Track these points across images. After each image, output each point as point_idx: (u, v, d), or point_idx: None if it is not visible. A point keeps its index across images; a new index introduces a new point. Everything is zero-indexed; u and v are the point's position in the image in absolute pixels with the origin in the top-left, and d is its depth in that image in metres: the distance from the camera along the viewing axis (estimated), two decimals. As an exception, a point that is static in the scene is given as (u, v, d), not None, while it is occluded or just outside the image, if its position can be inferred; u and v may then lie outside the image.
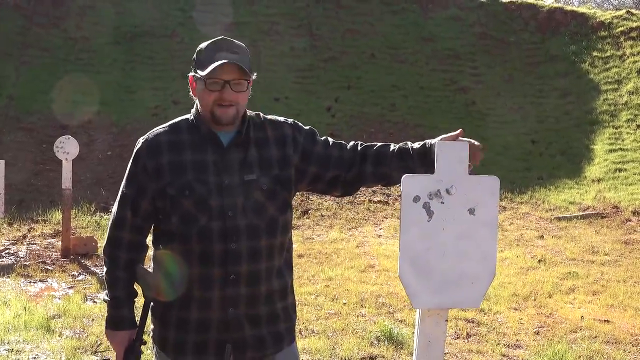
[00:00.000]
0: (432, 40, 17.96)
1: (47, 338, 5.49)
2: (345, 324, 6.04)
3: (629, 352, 5.65)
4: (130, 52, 16.70)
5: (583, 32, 17.78)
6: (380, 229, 10.72)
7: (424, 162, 2.46)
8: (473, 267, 2.38)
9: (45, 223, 10.31)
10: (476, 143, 2.40)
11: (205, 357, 2.43)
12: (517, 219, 11.34)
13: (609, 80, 16.31)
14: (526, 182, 13.24)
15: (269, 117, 2.55)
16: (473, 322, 6.22)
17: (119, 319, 2.51)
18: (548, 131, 15.39)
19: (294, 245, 2.72)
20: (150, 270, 2.51)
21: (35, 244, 9.23)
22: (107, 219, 9.65)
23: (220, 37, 2.45)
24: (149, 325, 2.57)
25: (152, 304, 2.51)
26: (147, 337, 2.60)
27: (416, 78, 16.98)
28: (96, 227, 10.05)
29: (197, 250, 2.38)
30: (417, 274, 2.33)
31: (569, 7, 19.70)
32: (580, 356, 5.47)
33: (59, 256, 8.48)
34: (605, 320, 6.41)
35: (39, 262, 8.12)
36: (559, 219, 11.27)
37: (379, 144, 2.56)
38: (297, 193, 2.67)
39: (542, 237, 10.15)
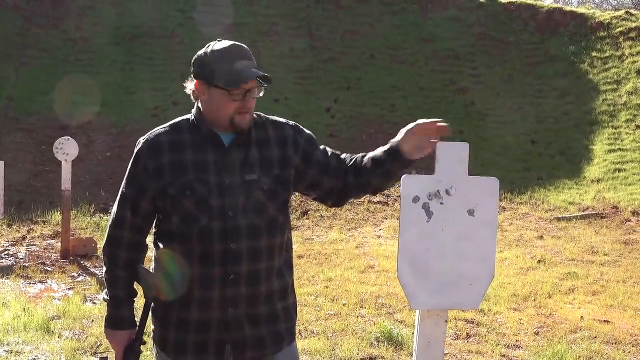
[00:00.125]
0: (432, 41, 17.96)
1: (46, 339, 5.49)
2: (344, 324, 6.04)
3: (629, 352, 5.65)
4: (129, 53, 16.69)
5: (582, 32, 17.79)
6: (380, 229, 10.73)
7: (396, 159, 2.47)
8: (472, 267, 2.37)
9: (44, 224, 10.31)
10: (438, 121, 2.43)
11: (205, 357, 2.43)
12: (517, 219, 11.34)
13: (608, 80, 16.31)
14: (525, 182, 13.24)
15: (270, 117, 2.55)
16: (473, 322, 6.22)
17: (118, 318, 2.51)
18: (547, 131, 15.39)
19: (293, 246, 2.72)
20: (151, 270, 2.51)
21: (35, 245, 9.23)
22: (107, 220, 9.64)
23: (228, 44, 2.39)
24: (149, 326, 2.57)
25: (152, 304, 2.51)
26: (147, 338, 2.60)
27: (416, 78, 16.98)
28: (95, 228, 10.05)
29: (197, 250, 2.38)
30: (416, 274, 2.33)
31: (568, 8, 19.71)
32: (579, 356, 5.47)
33: (59, 257, 8.48)
34: (604, 321, 6.41)
35: (38, 263, 8.12)
36: (558, 219, 11.27)
37: (359, 155, 2.58)
38: (296, 193, 2.67)
39: (541, 237, 10.16)
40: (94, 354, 5.19)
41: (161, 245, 2.47)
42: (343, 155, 2.60)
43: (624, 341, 5.87)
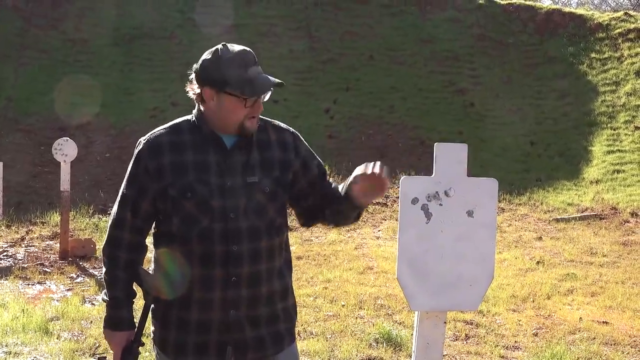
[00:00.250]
0: (431, 42, 17.96)
1: (45, 340, 5.48)
2: (343, 325, 6.04)
3: (627, 353, 5.65)
4: (129, 54, 16.69)
5: (581, 33, 17.79)
6: (379, 230, 10.72)
7: (348, 202, 2.44)
8: (471, 269, 2.38)
9: (43, 225, 10.31)
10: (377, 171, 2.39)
11: (206, 358, 2.44)
12: (516, 220, 11.34)
13: (607, 81, 16.32)
14: (525, 183, 13.24)
15: (270, 120, 2.56)
16: (472, 323, 6.22)
17: (117, 319, 2.51)
18: (546, 132, 15.39)
19: (292, 247, 2.74)
20: (151, 271, 2.51)
21: (34, 246, 9.22)
22: (106, 221, 9.64)
23: (236, 50, 2.38)
24: (149, 327, 2.57)
25: (152, 305, 2.51)
26: (147, 339, 2.60)
27: (415, 80, 16.98)
28: (94, 229, 10.04)
29: (197, 251, 2.38)
30: (415, 275, 2.33)
31: (567, 9, 19.71)
32: (578, 357, 5.47)
33: (57, 258, 8.47)
34: (603, 322, 6.41)
35: (37, 265, 8.11)
36: (557, 220, 11.27)
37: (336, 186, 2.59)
38: None
39: (540, 238, 10.15)
40: (93, 355, 5.18)
41: (161, 246, 2.47)
42: (332, 183, 2.63)
43: (622, 342, 5.87)
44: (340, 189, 2.49)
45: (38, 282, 7.50)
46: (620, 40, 17.22)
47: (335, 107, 15.95)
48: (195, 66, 2.41)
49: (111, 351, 2.56)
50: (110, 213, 2.58)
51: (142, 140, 2.48)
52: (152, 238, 2.55)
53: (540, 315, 6.62)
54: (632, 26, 17.34)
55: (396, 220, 2.44)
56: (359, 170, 2.38)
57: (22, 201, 11.48)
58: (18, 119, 14.44)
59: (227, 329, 2.41)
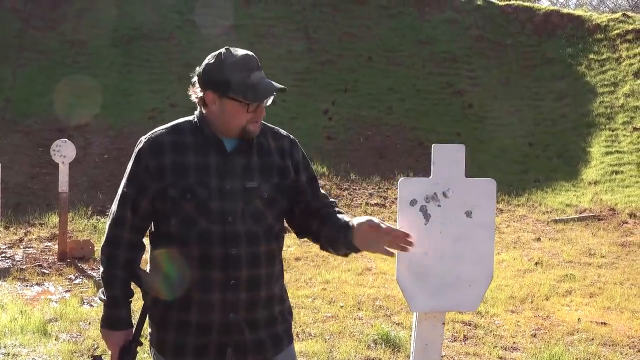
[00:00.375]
0: (429, 43, 17.97)
1: (43, 342, 5.48)
2: (342, 327, 6.04)
3: (626, 354, 5.66)
4: (127, 55, 16.68)
5: (579, 34, 17.81)
6: (378, 231, 10.71)
7: (345, 235, 2.37)
8: (470, 270, 2.38)
9: (41, 226, 10.30)
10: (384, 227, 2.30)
11: None
12: (514, 221, 11.35)
13: (606, 82, 16.34)
14: (523, 184, 13.25)
15: (270, 126, 2.56)
16: (470, 324, 6.23)
17: (115, 318, 2.50)
18: (545, 134, 15.40)
19: (291, 248, 2.74)
20: (148, 271, 2.51)
21: (32, 247, 9.21)
22: (104, 222, 9.63)
23: (240, 55, 2.37)
24: (146, 329, 2.57)
25: (150, 306, 2.51)
26: (144, 340, 2.59)
27: (413, 81, 16.99)
28: (93, 230, 10.04)
29: (196, 253, 2.38)
30: (414, 277, 2.33)
31: (565, 10, 19.73)
32: (577, 358, 5.48)
33: (56, 260, 8.46)
34: (602, 323, 6.41)
35: (35, 266, 8.11)
36: (555, 221, 11.27)
37: (335, 210, 2.54)
38: None
39: (538, 239, 10.16)
40: (92, 356, 5.18)
41: (158, 247, 2.47)
42: (322, 193, 2.60)
43: (621, 343, 5.88)
44: (344, 218, 2.44)
45: (36, 284, 7.50)
46: (618, 42, 17.24)
47: (333, 108, 15.96)
48: (198, 69, 2.41)
49: (109, 351, 2.56)
50: (109, 212, 2.57)
51: (143, 138, 2.48)
52: (148, 239, 2.55)
53: (539, 316, 6.62)
54: (630, 27, 17.36)
55: (394, 221, 2.47)
56: (362, 221, 2.33)
57: (21, 202, 11.47)
58: (16, 120, 14.43)
59: (228, 331, 2.42)
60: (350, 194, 12.51)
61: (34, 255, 8.71)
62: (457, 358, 5.47)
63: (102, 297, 2.51)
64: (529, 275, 8.19)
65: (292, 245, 9.06)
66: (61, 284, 7.49)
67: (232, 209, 2.38)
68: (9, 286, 7.33)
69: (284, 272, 2.66)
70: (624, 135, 14.66)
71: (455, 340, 5.84)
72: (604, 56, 17.07)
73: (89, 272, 7.98)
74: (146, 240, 2.55)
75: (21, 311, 6.18)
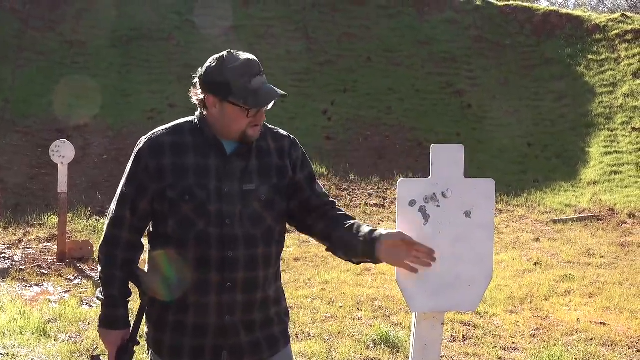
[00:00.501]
0: (428, 44, 17.97)
1: (42, 342, 5.48)
2: (341, 327, 6.04)
3: (625, 354, 5.66)
4: (126, 56, 16.67)
5: (578, 35, 17.81)
6: (377, 232, 10.71)
7: (367, 244, 2.34)
8: (470, 270, 2.38)
9: (40, 227, 10.29)
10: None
11: None
12: (513, 221, 11.35)
13: (604, 83, 16.34)
14: (522, 184, 13.25)
15: (270, 127, 2.55)
16: (469, 325, 6.23)
17: (113, 318, 2.50)
18: (544, 134, 15.41)
19: (290, 249, 2.75)
20: (147, 271, 2.51)
21: (31, 248, 9.21)
22: (103, 223, 9.62)
23: (241, 59, 2.35)
24: (144, 329, 2.57)
25: (147, 307, 2.51)
26: (142, 340, 2.59)
27: (412, 81, 16.99)
28: (92, 231, 10.03)
29: (193, 255, 2.38)
30: (413, 277, 2.33)
31: (564, 10, 19.73)
32: (576, 359, 5.48)
33: (55, 260, 8.45)
34: (601, 323, 6.42)
35: (34, 266, 8.10)
36: (554, 221, 11.28)
37: (345, 212, 2.53)
38: None
39: (538, 239, 10.16)
40: (91, 357, 5.18)
41: (157, 248, 2.47)
42: (323, 191, 2.57)
43: (620, 343, 5.88)
44: (363, 226, 2.41)
45: (35, 284, 7.49)
46: (617, 42, 17.25)
47: (332, 108, 15.96)
48: (200, 71, 2.40)
49: (107, 351, 2.56)
50: (108, 211, 2.57)
51: (143, 139, 2.47)
52: (147, 239, 2.55)
53: (538, 317, 6.63)
54: (629, 27, 17.37)
55: (394, 222, 2.47)
56: (395, 235, 2.30)
57: (20, 203, 11.47)
58: (15, 121, 14.42)
59: (223, 334, 2.42)
60: (350, 195, 12.51)
61: (33, 256, 8.70)
62: (457, 358, 5.47)
63: (100, 296, 2.51)
64: (528, 275, 8.19)
65: (292, 246, 9.06)
66: (60, 284, 7.49)
67: (230, 212, 2.38)
68: (8, 287, 7.33)
69: (283, 273, 2.66)
70: (623, 136, 14.66)
71: (454, 341, 5.85)
72: (603, 56, 17.07)
73: (88, 272, 7.98)
74: (145, 241, 2.55)
75: (20, 312, 6.18)
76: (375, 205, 12.07)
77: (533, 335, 6.06)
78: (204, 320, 2.41)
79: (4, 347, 5.34)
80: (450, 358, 5.47)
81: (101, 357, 2.70)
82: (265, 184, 2.44)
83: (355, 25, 18.23)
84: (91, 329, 5.79)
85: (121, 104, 15.24)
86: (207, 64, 2.38)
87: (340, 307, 6.70)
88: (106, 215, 2.58)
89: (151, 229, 2.51)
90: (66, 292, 7.20)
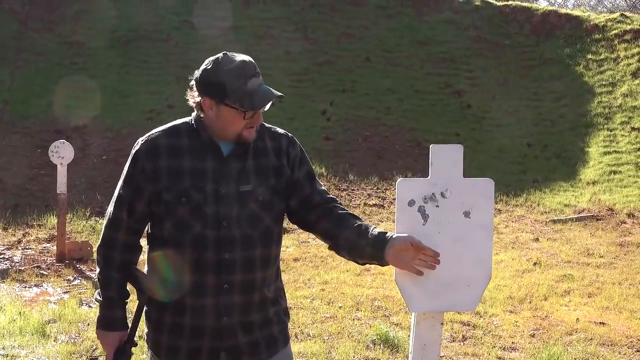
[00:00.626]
0: (427, 44, 17.98)
1: (42, 343, 5.47)
2: (341, 327, 6.04)
3: (624, 354, 5.66)
4: (125, 56, 16.68)
5: (577, 35, 17.82)
6: (376, 232, 10.71)
7: (375, 247, 2.34)
8: (469, 270, 2.38)
9: (40, 228, 10.29)
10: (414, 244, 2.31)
11: None
12: (513, 221, 11.35)
13: (604, 82, 16.35)
14: (521, 185, 13.25)
15: (267, 126, 2.54)
16: (469, 325, 6.23)
17: (110, 319, 2.50)
18: (543, 134, 15.41)
19: (289, 249, 2.74)
20: (145, 272, 2.51)
21: (30, 248, 9.20)
22: (102, 223, 9.62)
23: (237, 61, 2.34)
24: (144, 330, 2.57)
25: (145, 307, 2.51)
26: (141, 341, 2.60)
27: (411, 81, 17.00)
28: (91, 231, 10.03)
29: (190, 257, 2.37)
30: (413, 277, 2.33)
31: (563, 10, 19.74)
32: (575, 358, 5.48)
33: (54, 261, 8.45)
34: (600, 323, 6.42)
35: (34, 267, 8.10)
36: (554, 221, 11.28)
37: (349, 212, 2.52)
38: None
39: (537, 239, 10.16)
40: (90, 357, 5.18)
41: (155, 249, 2.47)
42: (324, 189, 2.57)
43: (619, 343, 5.88)
44: (371, 228, 2.41)
45: (35, 285, 7.49)
46: (616, 42, 17.26)
47: (331, 108, 15.96)
48: (196, 74, 2.39)
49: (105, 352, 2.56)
50: (106, 212, 2.57)
51: (140, 140, 2.47)
52: (146, 239, 2.55)
53: (537, 316, 6.63)
54: (628, 27, 17.38)
55: (393, 222, 2.46)
56: (405, 240, 2.31)
57: (19, 204, 11.47)
58: (14, 122, 14.42)
59: (220, 336, 2.42)
60: (349, 195, 12.51)
61: (32, 257, 8.70)
62: (456, 358, 5.47)
63: (98, 298, 2.51)
64: (527, 275, 8.20)
65: (291, 246, 9.06)
66: (60, 285, 7.49)
67: (227, 214, 2.37)
68: (8, 287, 7.32)
69: (282, 273, 2.65)
70: (622, 135, 14.67)
71: (454, 341, 5.85)
72: (602, 56, 17.08)
73: (87, 273, 7.98)
74: (144, 241, 2.55)
75: (20, 312, 6.18)
76: (374, 205, 12.07)
77: (532, 335, 6.06)
78: (201, 321, 2.41)
79: (3, 348, 5.34)
80: (450, 358, 5.47)
81: (100, 359, 2.70)
82: (263, 184, 2.43)
83: (354, 25, 18.23)
84: (90, 329, 5.79)
85: (120, 104, 15.24)
86: (203, 66, 2.37)
87: (340, 307, 6.70)
88: (104, 217, 2.58)
89: (149, 230, 2.51)
90: (65, 292, 7.20)
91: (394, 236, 2.32)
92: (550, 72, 17.10)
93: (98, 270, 2.52)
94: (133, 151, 2.45)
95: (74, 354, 5.25)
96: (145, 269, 2.54)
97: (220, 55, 2.36)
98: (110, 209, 2.50)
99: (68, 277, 7.78)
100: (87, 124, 14.45)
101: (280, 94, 2.36)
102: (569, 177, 13.63)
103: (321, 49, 17.62)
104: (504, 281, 7.80)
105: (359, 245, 2.38)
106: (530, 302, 7.07)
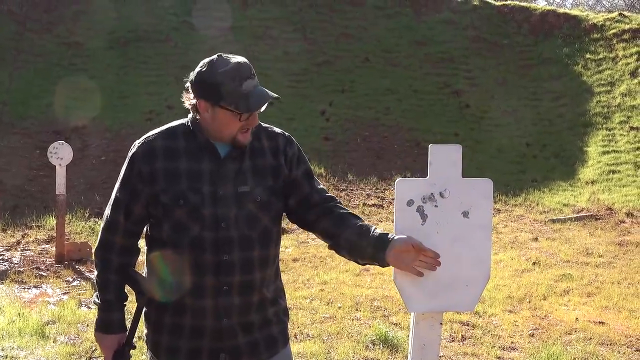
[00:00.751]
0: (426, 44, 17.99)
1: (41, 344, 5.47)
2: (340, 327, 6.04)
3: (624, 353, 5.66)
4: (124, 57, 16.68)
5: (576, 34, 17.83)
6: (375, 232, 10.71)
7: (376, 247, 2.34)
8: (467, 270, 2.38)
9: (39, 229, 10.29)
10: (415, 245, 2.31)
11: None
12: (512, 221, 11.35)
13: (602, 82, 16.36)
14: (520, 184, 13.26)
15: (264, 126, 2.54)
16: (468, 324, 6.23)
17: (108, 322, 2.50)
18: (542, 134, 15.42)
19: (288, 250, 2.74)
20: (144, 274, 2.51)
21: (29, 249, 9.20)
22: (101, 224, 9.61)
23: (232, 63, 2.33)
24: (143, 331, 2.57)
25: (144, 309, 2.51)
26: (141, 342, 2.60)
27: (410, 81, 17.00)
28: (90, 232, 10.03)
29: (188, 259, 2.37)
30: (411, 278, 2.33)
31: (561, 10, 19.75)
32: (575, 358, 5.48)
33: (53, 262, 8.45)
34: (599, 322, 6.42)
35: (33, 268, 8.10)
36: (553, 221, 11.28)
37: (349, 211, 2.52)
38: None
39: (536, 239, 10.17)
40: (89, 359, 5.18)
41: (153, 250, 2.47)
42: (322, 187, 2.56)
43: (618, 342, 5.88)
44: (373, 228, 2.41)
45: (34, 286, 7.49)
46: (614, 41, 17.27)
47: (330, 109, 15.96)
48: (191, 76, 2.38)
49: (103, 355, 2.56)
50: (104, 214, 2.57)
51: (137, 143, 2.47)
52: (144, 241, 2.55)
53: (537, 316, 6.63)
54: (627, 27, 17.39)
55: (392, 222, 2.48)
56: (404, 241, 2.31)
57: (18, 205, 11.46)
58: (13, 123, 14.42)
59: (220, 337, 2.41)
60: (348, 195, 12.51)
61: (31, 258, 8.70)
62: (455, 358, 5.47)
63: (97, 300, 2.51)
64: (526, 275, 8.20)
65: (290, 247, 9.06)
66: (59, 286, 7.48)
67: (225, 215, 2.37)
68: (7, 289, 7.32)
69: (282, 274, 2.65)
70: (620, 135, 14.68)
71: (453, 341, 5.85)
72: (601, 56, 17.09)
73: (86, 274, 7.97)
74: (142, 242, 2.55)
75: (19, 314, 6.17)
76: (373, 205, 12.07)
77: (532, 335, 6.06)
78: (201, 322, 2.40)
79: (2, 349, 5.33)
80: (449, 358, 5.47)
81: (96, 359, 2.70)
82: (260, 185, 2.43)
83: (353, 25, 18.24)
84: (90, 330, 5.78)
85: (119, 105, 15.24)
86: (198, 68, 2.36)
87: (339, 307, 6.70)
88: (102, 219, 2.57)
89: (148, 232, 2.51)
90: (65, 293, 7.20)
91: (395, 237, 2.32)
92: (549, 71, 17.11)
93: (96, 273, 2.51)
94: (130, 154, 2.45)
95: (73, 355, 5.25)
96: (144, 271, 2.53)
97: (215, 57, 2.35)
98: (107, 211, 2.49)
99: (67, 278, 7.78)
100: (86, 125, 14.44)
101: (275, 95, 2.35)
102: (568, 176, 13.64)
103: (320, 49, 17.63)
104: (503, 281, 7.80)
105: (360, 246, 2.38)
106: (530, 302, 7.07)
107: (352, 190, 12.80)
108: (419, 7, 18.81)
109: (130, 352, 2.53)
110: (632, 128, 14.73)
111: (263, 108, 2.36)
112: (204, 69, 2.34)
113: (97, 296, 2.51)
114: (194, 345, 2.42)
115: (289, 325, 2.65)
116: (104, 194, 11.62)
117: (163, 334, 2.46)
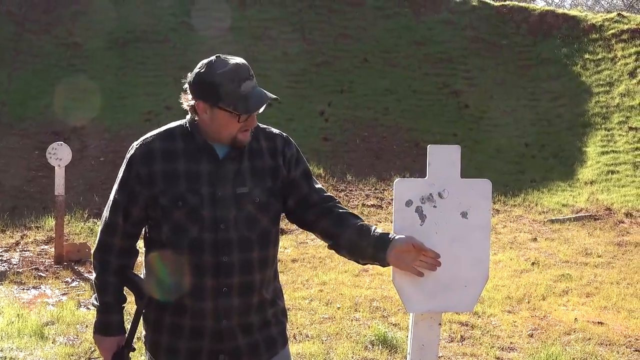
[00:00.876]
0: (425, 44, 17.99)
1: (40, 345, 5.47)
2: (339, 328, 6.04)
3: (623, 353, 5.66)
4: (122, 58, 16.67)
5: (574, 34, 17.84)
6: (374, 232, 10.70)
7: (377, 247, 2.33)
8: (466, 270, 2.38)
9: (38, 230, 10.28)
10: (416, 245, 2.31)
11: None
12: (510, 221, 11.36)
13: (601, 82, 16.36)
14: (519, 185, 13.26)
15: (262, 126, 2.54)
16: (467, 325, 6.23)
17: (108, 324, 2.50)
18: (541, 134, 15.43)
19: (287, 250, 2.74)
20: (142, 275, 2.51)
21: (28, 250, 9.20)
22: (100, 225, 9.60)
23: (230, 64, 2.32)
24: (142, 332, 2.57)
25: (144, 310, 2.50)
26: (140, 343, 2.59)
27: (409, 82, 17.00)
28: (89, 233, 10.02)
29: (188, 261, 2.37)
30: (410, 278, 2.33)
31: (560, 10, 19.76)
32: (574, 358, 5.48)
33: (52, 263, 8.45)
34: (598, 322, 6.42)
35: (32, 269, 8.09)
36: (552, 221, 11.28)
37: (348, 211, 2.52)
38: None
39: (535, 239, 10.17)
40: (88, 359, 5.18)
41: (152, 252, 2.47)
42: (320, 187, 2.56)
43: (617, 342, 5.88)
44: (373, 228, 2.41)
45: (33, 287, 7.48)
46: (613, 41, 17.28)
47: (329, 109, 15.96)
48: (189, 77, 2.37)
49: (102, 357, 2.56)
50: (102, 216, 2.57)
51: (135, 144, 2.46)
52: (143, 242, 2.55)
53: (536, 316, 6.63)
54: (626, 27, 17.40)
55: (391, 222, 2.48)
56: (405, 241, 2.31)
57: (17, 206, 11.46)
58: (12, 124, 14.41)
59: (220, 338, 2.41)
60: (347, 195, 12.51)
61: (30, 259, 8.69)
62: (454, 359, 5.47)
63: (95, 302, 2.51)
64: (525, 275, 8.20)
65: (289, 247, 9.06)
66: (58, 287, 7.48)
67: (224, 216, 2.36)
68: (6, 290, 7.32)
69: (281, 274, 2.65)
70: (619, 135, 14.69)
71: (452, 341, 5.85)
72: (600, 56, 17.10)
73: (85, 275, 7.97)
74: (141, 243, 2.55)
75: (18, 314, 6.17)
76: (372, 206, 12.07)
77: (531, 335, 6.06)
78: (201, 323, 2.40)
79: (1, 350, 5.33)
80: (448, 358, 5.47)
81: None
82: (259, 186, 2.42)
83: (352, 26, 18.24)
84: (89, 331, 5.78)
85: (118, 106, 15.23)
86: (197, 69, 2.35)
87: (338, 308, 6.70)
88: (100, 221, 2.57)
89: (147, 234, 2.50)
90: (64, 294, 7.19)
91: (396, 237, 2.32)
92: (548, 72, 17.12)
93: (94, 275, 2.51)
94: (128, 155, 2.44)
95: (72, 356, 5.24)
96: (142, 272, 2.53)
97: (213, 58, 2.35)
98: (105, 213, 2.49)
99: (66, 279, 7.78)
100: (84, 126, 14.44)
101: (274, 96, 2.35)
102: (567, 177, 13.64)
103: (319, 49, 17.63)
104: (502, 281, 7.81)
105: (361, 246, 2.38)
106: (529, 302, 7.07)
107: (351, 190, 12.79)
108: (417, 7, 18.82)
109: (130, 354, 2.53)
110: (630, 128, 14.73)
111: (262, 109, 2.36)
112: (202, 70, 2.33)
113: (95, 298, 2.51)
114: (193, 346, 2.42)
115: (287, 326, 2.65)
116: (103, 195, 11.61)
117: (162, 334, 2.46)
